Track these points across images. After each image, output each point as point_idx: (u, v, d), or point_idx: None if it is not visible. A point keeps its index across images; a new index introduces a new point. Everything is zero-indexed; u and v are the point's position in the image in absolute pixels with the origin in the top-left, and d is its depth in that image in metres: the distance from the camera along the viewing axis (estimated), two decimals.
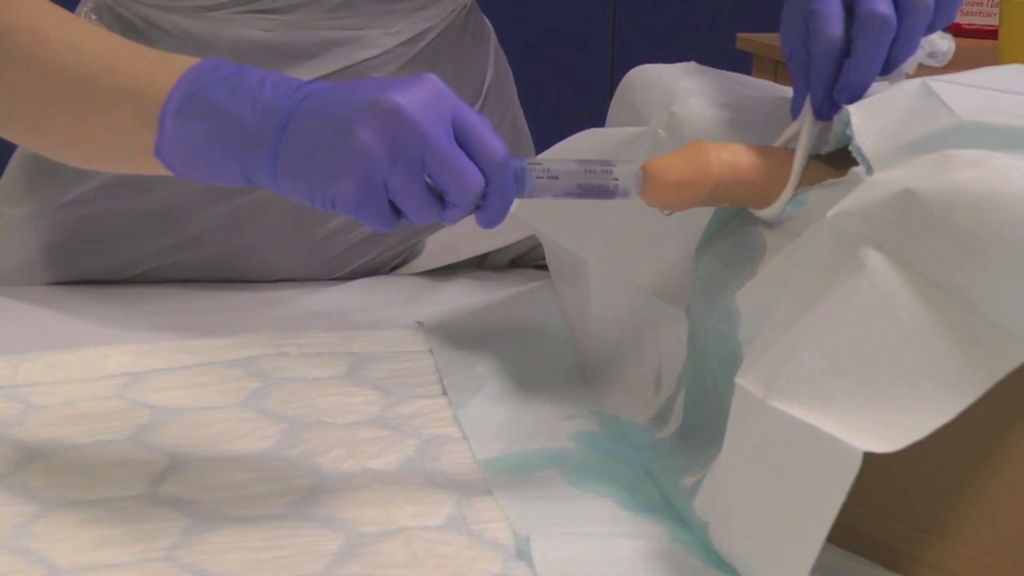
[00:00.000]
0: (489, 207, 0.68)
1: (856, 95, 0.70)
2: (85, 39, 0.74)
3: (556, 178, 0.69)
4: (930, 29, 0.73)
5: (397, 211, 0.68)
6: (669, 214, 0.71)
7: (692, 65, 0.88)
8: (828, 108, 0.72)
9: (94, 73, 0.72)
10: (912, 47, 0.71)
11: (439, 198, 0.67)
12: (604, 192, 0.69)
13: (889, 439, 0.58)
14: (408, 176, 0.66)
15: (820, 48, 0.71)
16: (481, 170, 0.67)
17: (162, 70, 0.71)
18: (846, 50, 0.71)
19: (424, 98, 0.66)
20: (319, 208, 0.68)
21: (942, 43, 0.75)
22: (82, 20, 0.77)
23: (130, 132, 0.71)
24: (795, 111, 0.74)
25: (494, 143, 0.67)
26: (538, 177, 0.68)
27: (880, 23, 0.69)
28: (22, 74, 0.74)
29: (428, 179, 0.66)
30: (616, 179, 0.69)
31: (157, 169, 0.72)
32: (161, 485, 0.74)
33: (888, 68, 0.72)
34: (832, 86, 0.71)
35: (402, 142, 0.65)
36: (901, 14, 0.70)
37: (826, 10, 0.71)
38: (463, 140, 0.67)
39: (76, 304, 1.02)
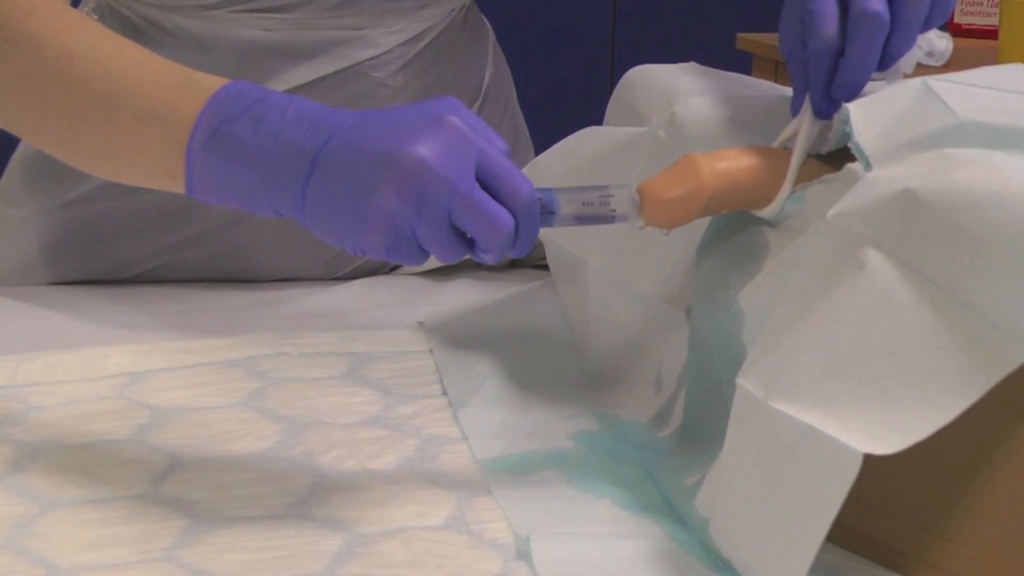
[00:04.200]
0: (516, 245, 0.67)
1: (853, 92, 0.71)
2: (111, 55, 0.74)
3: (553, 213, 0.69)
4: (927, 25, 0.73)
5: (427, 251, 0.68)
6: (667, 233, 0.72)
7: (692, 65, 0.88)
8: (826, 106, 0.72)
9: (121, 93, 0.72)
10: (909, 43, 0.72)
11: (467, 239, 0.67)
12: (603, 219, 0.69)
13: (890, 440, 0.58)
14: (434, 226, 0.65)
15: (816, 47, 0.71)
16: (508, 210, 0.67)
17: (186, 95, 0.71)
18: (842, 48, 0.71)
19: (446, 146, 0.65)
20: (349, 253, 0.68)
21: (940, 42, 0.76)
22: (106, 31, 0.76)
23: (158, 157, 0.72)
24: (795, 109, 0.74)
25: (520, 182, 0.67)
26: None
27: (873, 20, 0.70)
28: (50, 90, 0.74)
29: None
30: (613, 209, 0.69)
31: (184, 192, 0.72)
32: (161, 485, 0.74)
33: (885, 64, 0.72)
34: (829, 84, 0.71)
35: (427, 195, 0.65)
36: (896, 10, 0.70)
37: (821, 9, 0.71)
38: (488, 181, 0.66)
39: (76, 304, 1.02)
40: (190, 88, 0.71)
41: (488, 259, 0.68)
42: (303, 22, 1.02)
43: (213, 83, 0.71)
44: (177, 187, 0.72)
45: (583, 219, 0.69)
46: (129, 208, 1.06)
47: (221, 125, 0.69)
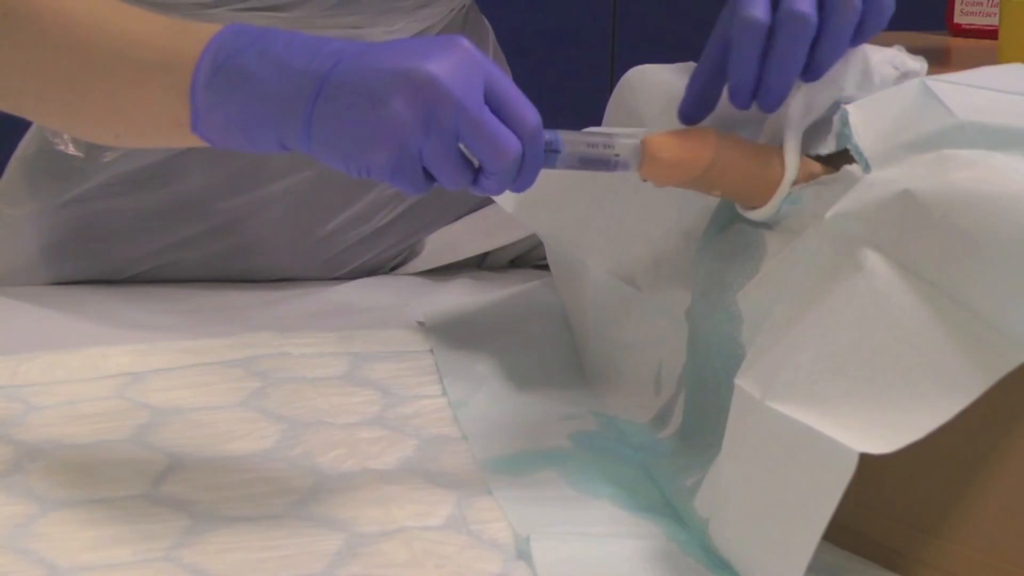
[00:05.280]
0: (519, 175, 0.68)
1: (777, 96, 0.71)
2: (108, 13, 0.73)
3: (558, 151, 0.69)
4: (860, 33, 0.72)
5: (431, 177, 0.67)
6: (660, 186, 0.72)
7: (691, 65, 0.88)
8: (744, 98, 0.72)
9: (121, 48, 0.72)
10: (838, 50, 0.71)
11: (473, 166, 0.67)
12: (605, 164, 0.70)
13: (886, 440, 0.58)
14: (442, 145, 0.65)
15: (741, 33, 0.70)
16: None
17: (187, 40, 0.70)
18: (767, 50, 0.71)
19: (457, 65, 0.65)
20: (353, 175, 0.67)
21: (914, 64, 0.75)
22: None
23: (161, 106, 0.71)
24: (683, 116, 0.74)
25: (527, 110, 0.67)
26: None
27: (799, 22, 0.69)
28: (50, 55, 0.73)
29: (463, 147, 0.66)
30: (617, 154, 0.70)
31: (190, 141, 0.71)
32: (161, 485, 0.74)
33: (814, 72, 0.71)
34: (755, 71, 0.71)
35: (435, 112, 0.65)
36: (826, 15, 0.70)
37: (752, 2, 0.71)
38: (496, 107, 0.66)
39: (76, 304, 1.02)
40: (191, 34, 0.71)
41: (492, 186, 0.67)
42: (302, 21, 1.02)
43: (213, 28, 0.71)
44: (183, 136, 0.71)
45: (586, 161, 0.69)
46: (129, 208, 1.06)
47: (225, 60, 0.69)
